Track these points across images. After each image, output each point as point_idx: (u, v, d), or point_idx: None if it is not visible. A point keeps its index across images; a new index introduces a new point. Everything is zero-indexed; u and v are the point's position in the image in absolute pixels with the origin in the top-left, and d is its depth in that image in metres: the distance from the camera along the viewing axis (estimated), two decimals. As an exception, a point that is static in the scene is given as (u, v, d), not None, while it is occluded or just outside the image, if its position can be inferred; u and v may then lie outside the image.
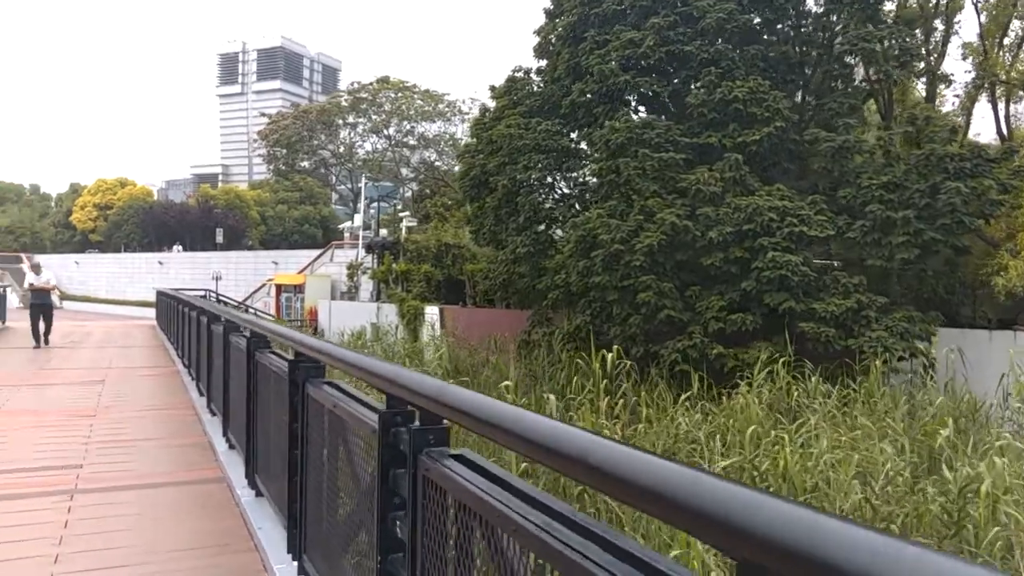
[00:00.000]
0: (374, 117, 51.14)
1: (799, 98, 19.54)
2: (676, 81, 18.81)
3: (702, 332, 17.02)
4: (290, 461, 4.15)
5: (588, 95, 19.41)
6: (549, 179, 19.90)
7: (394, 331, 28.05)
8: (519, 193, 20.54)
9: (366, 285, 33.40)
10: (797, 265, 16.01)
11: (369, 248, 32.98)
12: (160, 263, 59.38)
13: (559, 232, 21.67)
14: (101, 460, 6.86)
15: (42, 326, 17.72)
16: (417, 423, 2.47)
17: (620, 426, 10.23)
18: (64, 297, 67.02)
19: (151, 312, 48.40)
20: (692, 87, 18.31)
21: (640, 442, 10.04)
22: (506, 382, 13.02)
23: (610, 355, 12.40)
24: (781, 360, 11.75)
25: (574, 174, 19.99)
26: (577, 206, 19.95)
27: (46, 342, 17.56)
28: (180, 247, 62.85)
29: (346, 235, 56.80)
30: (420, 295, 30.06)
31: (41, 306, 17.84)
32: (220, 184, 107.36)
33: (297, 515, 3.98)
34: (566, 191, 21.29)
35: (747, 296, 16.93)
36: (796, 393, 10.52)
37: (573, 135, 20.73)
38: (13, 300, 65.33)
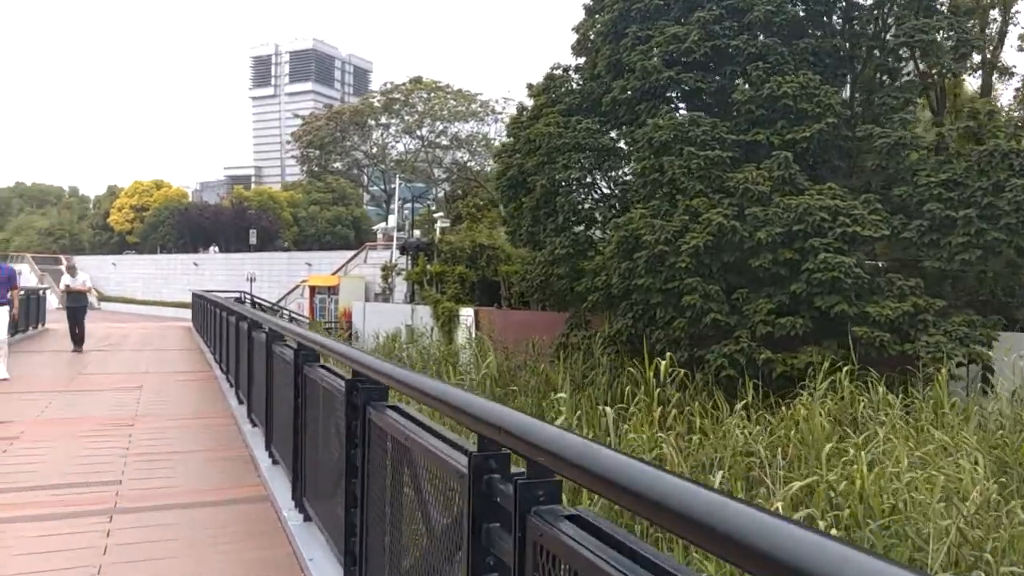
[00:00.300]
0: (407, 118, 50.99)
1: (847, 93, 18.88)
2: (720, 77, 18.22)
3: (749, 336, 16.46)
4: (347, 491, 3.76)
5: (629, 92, 18.91)
6: (588, 179, 19.42)
7: (429, 333, 27.76)
8: (558, 193, 20.11)
9: (400, 286, 33.19)
10: (850, 267, 15.38)
11: (403, 249, 32.75)
12: (195, 264, 59.88)
13: (598, 233, 21.21)
14: (140, 475, 6.56)
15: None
16: (523, 473, 2.03)
17: (674, 436, 9.76)
18: (101, 298, 68.00)
19: (186, 313, 48.72)
20: (738, 83, 17.73)
21: (697, 456, 9.56)
22: (560, 394, 12.55)
23: (663, 362, 11.86)
24: (845, 368, 11.13)
25: (614, 173, 19.49)
26: (617, 206, 19.44)
27: (78, 349, 17.17)
28: (216, 248, 63.15)
29: (379, 236, 56.80)
30: (455, 297, 29.75)
31: (75, 309, 17.54)
32: (253, 185, 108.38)
33: (357, 553, 3.59)
34: (606, 191, 20.81)
35: (796, 299, 16.34)
36: (862, 404, 9.94)
37: (613, 133, 20.26)
38: (52, 301, 66.73)
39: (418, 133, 50.12)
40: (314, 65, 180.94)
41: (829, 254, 15.51)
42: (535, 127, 21.30)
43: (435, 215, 35.11)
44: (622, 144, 20.78)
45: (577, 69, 22.30)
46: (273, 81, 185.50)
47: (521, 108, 23.43)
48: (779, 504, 7.70)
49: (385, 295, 33.45)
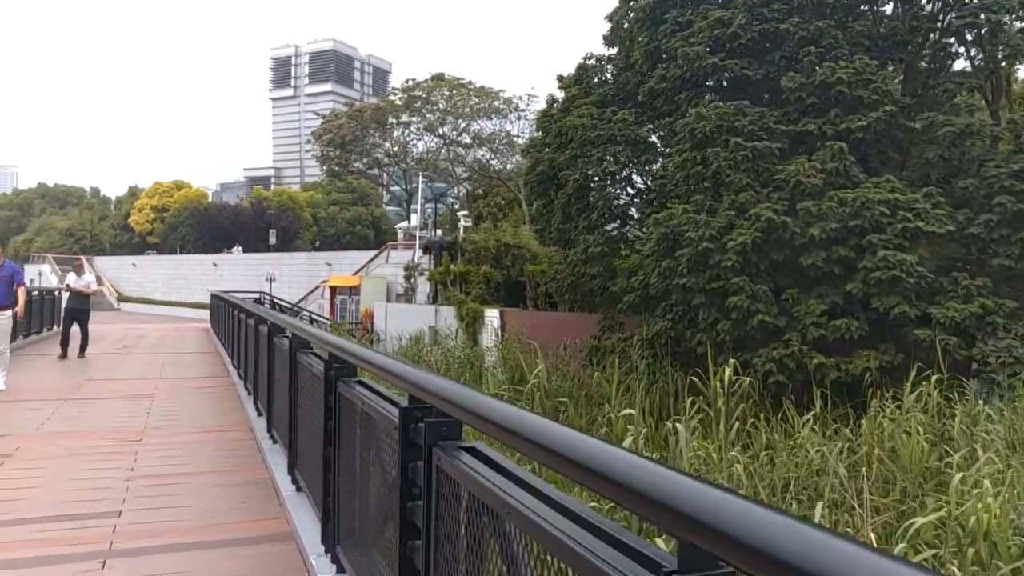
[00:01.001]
0: (428, 116, 50.15)
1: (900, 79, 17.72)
2: (767, 64, 17.13)
3: (799, 339, 15.39)
4: (403, 554, 2.79)
5: (668, 81, 17.87)
6: (624, 173, 18.38)
7: (454, 335, 26.84)
8: (591, 188, 19.12)
9: (423, 287, 32.29)
10: (912, 265, 14.26)
11: (426, 249, 31.85)
12: (214, 264, 59.40)
13: (632, 231, 20.18)
14: (143, 505, 5.65)
15: (76, 335, 15.64)
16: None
17: (744, 456, 8.73)
18: (121, 299, 67.77)
19: (205, 314, 48.18)
20: (787, 69, 16.64)
21: (766, 476, 8.51)
22: (628, 410, 11.50)
23: (727, 369, 10.85)
24: (935, 377, 10.05)
25: (652, 167, 18.43)
26: (655, 202, 18.39)
27: (80, 354, 15.31)
28: (240, 248, 62.40)
29: (399, 235, 56.03)
30: (479, 297, 28.80)
31: (75, 311, 15.84)
32: (272, 186, 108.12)
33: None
34: (642, 186, 19.77)
35: (851, 299, 15.25)
36: (958, 418, 8.85)
37: (649, 125, 19.22)
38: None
39: (440, 131, 49.26)
40: (334, 66, 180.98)
41: (889, 251, 14.41)
42: (567, 120, 20.31)
43: (459, 213, 34.15)
44: (653, 138, 19.77)
45: (610, 60, 21.28)
46: (293, 82, 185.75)
47: (551, 101, 22.45)
48: (872, 536, 6.68)
49: (408, 296, 32.56)
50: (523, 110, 48.12)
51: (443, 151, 49.15)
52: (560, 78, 22.71)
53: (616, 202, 18.84)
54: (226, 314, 17.80)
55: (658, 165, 19.12)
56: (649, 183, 19.05)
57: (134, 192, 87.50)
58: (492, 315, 27.56)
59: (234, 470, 6.76)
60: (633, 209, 18.47)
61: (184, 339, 22.29)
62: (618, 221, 19.51)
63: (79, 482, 6.19)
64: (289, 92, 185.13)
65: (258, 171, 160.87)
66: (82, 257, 20.80)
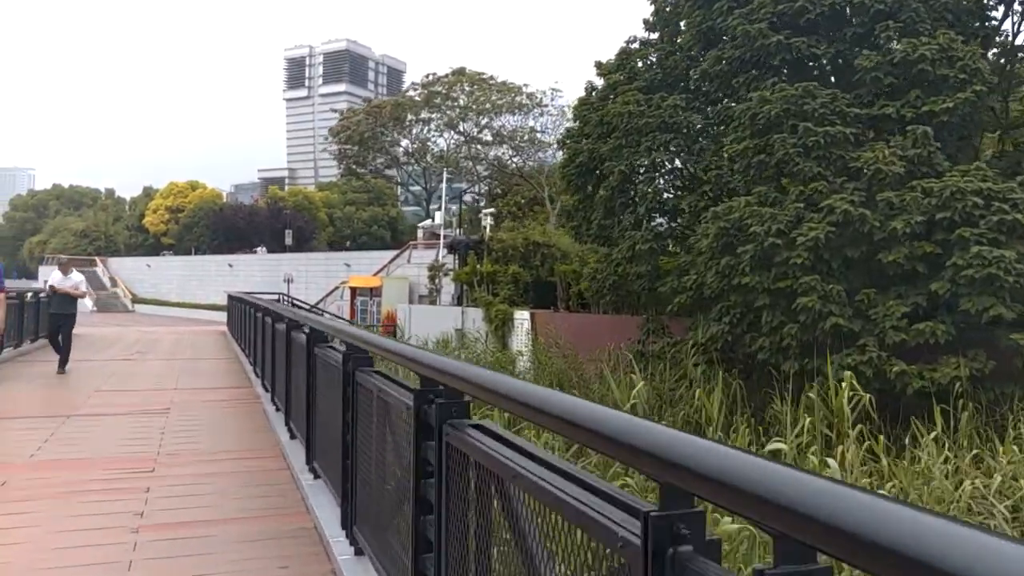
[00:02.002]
0: (448, 112, 48.85)
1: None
2: (837, 42, 15.66)
3: (877, 345, 13.93)
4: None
5: (724, 63, 16.44)
6: (676, 163, 16.95)
7: (483, 338, 25.48)
8: (638, 181, 17.71)
9: (447, 288, 30.95)
10: (1011, 262, 12.76)
11: (451, 248, 30.48)
12: (230, 265, 58.31)
13: (678, 227, 18.74)
14: (155, 570, 4.29)
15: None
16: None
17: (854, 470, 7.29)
18: (136, 300, 66.82)
19: (220, 316, 47.01)
20: (858, 47, 15.17)
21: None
22: (776, 444, 10.04)
23: (843, 384, 9.41)
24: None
25: (708, 157, 16.96)
26: (709, 194, 16.93)
27: (62, 368, 12.78)
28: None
29: (419, 234, 54.76)
30: (508, 298, 27.42)
31: (60, 317, 13.23)
32: (287, 187, 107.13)
33: None
34: (694, 177, 18.31)
35: (935, 300, 13.79)
36: None
37: (700, 112, 17.78)
38: (87, 303, 65.65)
39: (460, 128, 47.93)
40: (348, 66, 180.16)
41: (984, 247, 12.92)
42: (609, 107, 18.92)
43: (485, 211, 32.78)
44: (700, 125, 18.32)
45: (652, 44, 19.84)
46: (307, 83, 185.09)
47: (590, 88, 21.04)
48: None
49: (432, 297, 31.21)
50: (546, 105, 46.78)
51: (464, 148, 47.81)
52: (599, 64, 21.31)
53: (663, 194, 17.39)
54: (245, 316, 16.51)
55: (711, 155, 17.67)
56: (702, 174, 17.59)
57: (149, 193, 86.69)
58: (522, 317, 26.18)
59: (268, 515, 5.40)
60: (685, 203, 16.98)
61: (200, 343, 21.03)
62: (666, 216, 18.08)
63: (76, 535, 4.85)
64: (303, 93, 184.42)
65: (272, 172, 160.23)
66: (64, 257, 17.34)
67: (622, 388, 18.19)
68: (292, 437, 7.32)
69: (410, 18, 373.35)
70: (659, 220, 18.25)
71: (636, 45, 20.02)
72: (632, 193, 18.38)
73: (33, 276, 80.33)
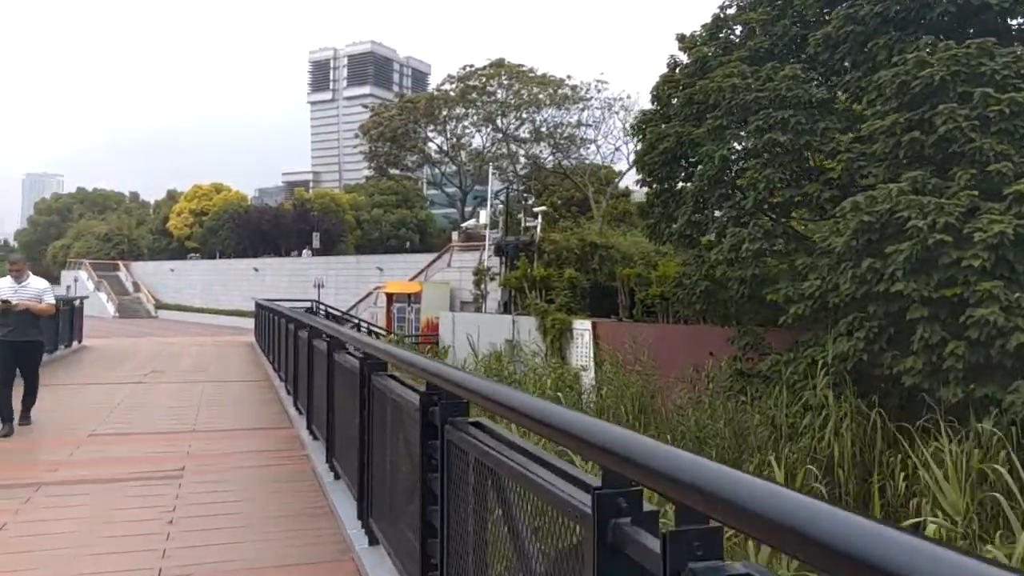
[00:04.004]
0: (482, 109, 46.14)
1: None
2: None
3: (1076, 370, 10.95)
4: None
5: (858, 23, 13.53)
6: (802, 142, 13.98)
7: (542, 352, 22.67)
8: (746, 167, 14.83)
9: (494, 293, 28.17)
10: None
11: (499, 249, 27.69)
12: (255, 269, 55.97)
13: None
14: None
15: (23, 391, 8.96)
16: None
17: None
18: (159, 306, 64.79)
19: (245, 323, 44.60)
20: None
21: None
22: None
23: None
24: None
25: (838, 137, 13.98)
26: (838, 183, 13.97)
27: (24, 418, 8.85)
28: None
29: (455, 236, 52.09)
30: (566, 306, 24.59)
31: (17, 347, 8.76)
32: (311, 190, 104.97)
33: None
34: (802, 162, 15.35)
35: None
36: None
37: (822, 85, 14.84)
38: (109, 308, 63.74)
39: (497, 124, 45.16)
40: (372, 68, 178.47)
41: None
42: (703, 84, 16.04)
43: (535, 208, 29.94)
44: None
45: (754, 8, 16.86)
46: (331, 85, 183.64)
47: (673, 64, 18.18)
48: None
49: (477, 303, 28.42)
50: (589, 99, 43.87)
51: (503, 146, 45.03)
52: (682, 37, 18.46)
53: (776, 185, 14.45)
54: (279, 330, 13.83)
55: (838, 135, 14.70)
56: (827, 159, 14.63)
57: (173, 196, 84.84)
58: (583, 327, 23.34)
59: None
60: (811, 191, 14.00)
61: (226, 358, 18.41)
62: (774, 210, 15.17)
63: None
64: (327, 95, 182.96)
65: (296, 175, 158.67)
66: (20, 258, 8.04)
67: (719, 414, 15.34)
68: (372, 542, 4.54)
69: (434, 20, 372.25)
70: (766, 217, 15.33)
71: (733, 10, 17.10)
72: (732, 183, 15.50)
73: (56, 281, 78.85)
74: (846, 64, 14.33)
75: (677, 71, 17.99)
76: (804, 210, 14.66)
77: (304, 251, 55.45)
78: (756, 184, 14.37)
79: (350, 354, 5.47)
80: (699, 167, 16.12)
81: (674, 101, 17.42)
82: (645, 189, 19.11)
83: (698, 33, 18.13)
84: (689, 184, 16.42)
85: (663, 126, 17.63)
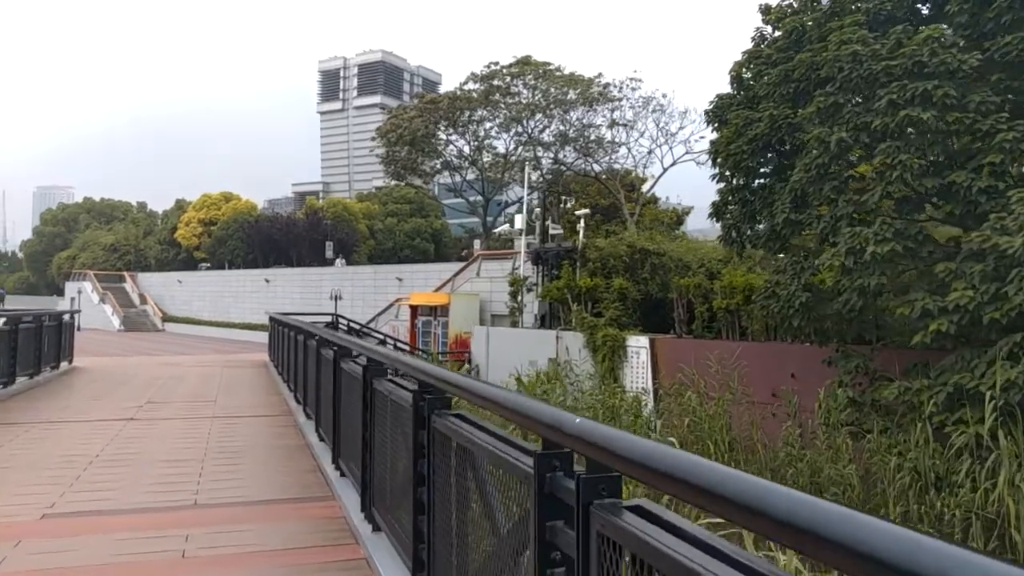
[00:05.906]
0: (506, 111, 43.62)
1: None
2: None
3: None
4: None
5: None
6: (949, 120, 11.33)
7: (598, 374, 19.99)
8: (872, 153, 12.18)
9: (531, 306, 25.51)
10: None
11: (537, 258, 25.04)
12: (266, 280, 53.48)
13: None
14: None
15: None
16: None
17: None
18: (166, 319, 62.26)
19: (256, 337, 41.99)
20: None
21: None
22: None
23: None
24: None
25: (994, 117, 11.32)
26: (997, 169, 11.28)
27: None
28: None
29: (476, 244, 49.48)
30: (617, 320, 21.93)
31: None
32: (322, 199, 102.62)
33: None
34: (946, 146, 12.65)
35: None
36: None
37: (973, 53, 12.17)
38: (114, 322, 61.28)
39: (522, 127, 42.60)
40: (382, 78, 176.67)
41: None
42: (805, 56, 13.44)
43: (578, 212, 27.30)
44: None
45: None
46: (341, 95, 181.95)
47: (759, 38, 15.59)
48: None
49: (513, 317, 25.74)
50: (619, 99, 41.31)
51: (528, 149, 42.45)
52: (766, 9, 15.86)
53: (915, 173, 11.76)
54: (300, 351, 11.24)
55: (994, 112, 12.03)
56: (982, 141, 11.93)
57: (181, 205, 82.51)
58: (639, 344, 20.68)
59: None
60: (964, 182, 11.34)
61: (236, 382, 15.82)
62: (905, 207, 12.50)
63: None
64: (337, 105, 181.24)
65: (306, 186, 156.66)
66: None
67: (842, 453, 12.64)
68: None
69: (446, 30, 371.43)
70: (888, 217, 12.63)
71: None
72: (841, 174, 12.86)
73: (60, 293, 76.49)
74: (989, 28, 11.67)
75: (764, 46, 15.38)
76: (948, 205, 11.94)
77: (338, 260, 52.54)
78: (888, 172, 11.71)
79: (391, 381, 4.88)
80: (802, 156, 13.47)
81: (764, 79, 14.81)
82: (720, 185, 16.47)
83: (786, 2, 15.54)
84: (792, 175, 13.73)
85: (764, 105, 14.96)
